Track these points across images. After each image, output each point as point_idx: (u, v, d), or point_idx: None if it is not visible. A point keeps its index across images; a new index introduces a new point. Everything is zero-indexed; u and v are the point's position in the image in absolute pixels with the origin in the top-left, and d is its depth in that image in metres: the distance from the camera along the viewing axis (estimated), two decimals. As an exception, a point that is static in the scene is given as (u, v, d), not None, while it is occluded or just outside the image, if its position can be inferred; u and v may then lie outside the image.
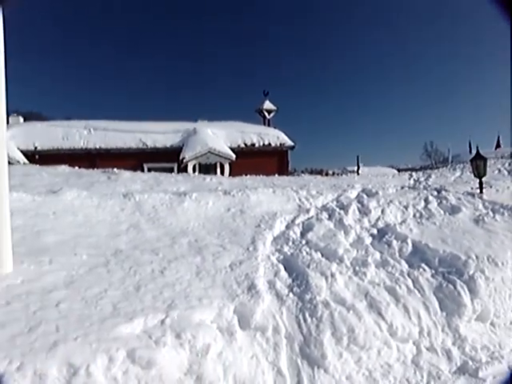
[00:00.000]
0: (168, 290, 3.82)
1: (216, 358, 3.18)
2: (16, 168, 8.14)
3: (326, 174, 29.81)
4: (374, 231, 5.72)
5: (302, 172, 36.79)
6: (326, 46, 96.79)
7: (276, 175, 12.25)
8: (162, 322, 3.33)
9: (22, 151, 19.22)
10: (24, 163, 17.52)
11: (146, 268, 4.21)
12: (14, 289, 3.46)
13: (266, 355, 3.42)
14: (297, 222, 6.00)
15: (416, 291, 4.37)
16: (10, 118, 23.03)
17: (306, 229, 5.70)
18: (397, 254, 5.06)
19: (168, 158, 20.49)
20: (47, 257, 4.06)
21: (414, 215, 6.35)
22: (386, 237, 5.47)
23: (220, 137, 21.38)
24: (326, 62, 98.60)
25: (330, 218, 6.09)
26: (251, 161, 20.09)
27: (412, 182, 10.98)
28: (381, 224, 5.94)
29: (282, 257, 4.90)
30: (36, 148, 20.07)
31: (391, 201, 6.78)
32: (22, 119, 24.09)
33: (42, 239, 4.51)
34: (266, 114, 25.57)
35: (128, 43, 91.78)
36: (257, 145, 21.53)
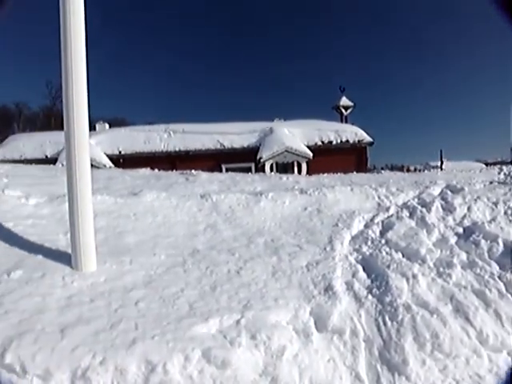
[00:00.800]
0: (244, 290, 3.86)
1: (292, 360, 3.15)
2: (101, 172, 8.67)
3: (407, 170, 28.64)
4: (460, 230, 5.37)
5: (382, 169, 35.63)
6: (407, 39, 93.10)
7: (354, 173, 11.97)
8: (238, 322, 3.36)
9: (107, 156, 20.49)
10: (110, 167, 18.64)
11: (223, 268, 4.28)
12: (98, 287, 3.67)
13: (344, 359, 3.33)
14: (376, 220, 5.80)
15: (509, 296, 4.03)
16: (96, 126, 24.78)
17: (386, 228, 5.49)
18: (486, 255, 4.71)
19: (245, 158, 20.80)
20: (128, 257, 4.27)
21: (505, 212, 5.86)
22: (474, 236, 5.11)
23: (296, 135, 21.33)
24: (408, 55, 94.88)
25: (411, 216, 5.81)
26: (328, 159, 19.81)
27: (502, 176, 10.18)
28: (467, 222, 5.56)
29: (360, 257, 4.76)
30: (120, 152, 21.29)
31: (479, 197, 6.33)
32: (107, 126, 25.70)
33: (124, 240, 4.75)
34: (343, 110, 25.12)
35: (201, 46, 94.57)
36: (334, 142, 21.19)
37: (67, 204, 3.99)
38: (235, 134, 21.70)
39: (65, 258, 4.01)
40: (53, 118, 58.92)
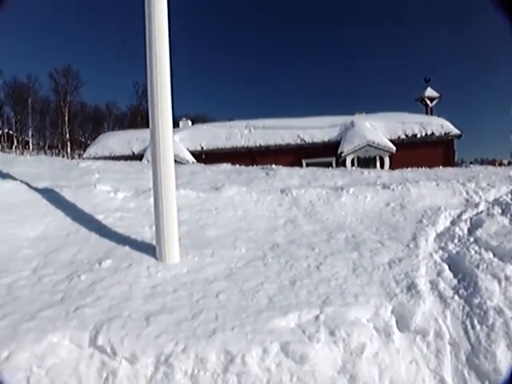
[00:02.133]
0: (323, 285, 3.88)
1: (371, 359, 3.13)
2: (185, 167, 9.05)
3: (500, 165, 26.61)
4: (560, 229, 4.96)
5: (471, 163, 33.54)
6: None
7: (440, 167, 11.43)
8: (317, 317, 3.39)
9: (190, 152, 21.32)
10: (192, 162, 19.36)
11: (302, 263, 4.33)
12: (181, 278, 3.88)
13: (427, 361, 3.24)
14: (464, 217, 5.52)
15: None
16: (180, 123, 25.88)
17: (475, 225, 5.20)
18: None
19: (326, 153, 20.64)
20: (210, 249, 4.45)
21: None
22: None
23: (379, 129, 20.76)
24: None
25: (503, 213, 5.45)
26: (412, 152, 19.06)
27: None
28: None
29: (446, 255, 4.57)
30: (202, 148, 22.06)
31: None
32: (190, 122, 26.72)
33: (205, 233, 4.95)
34: (428, 102, 23.99)
35: (279, 42, 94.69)
36: (418, 135, 20.30)
37: (152, 198, 4.26)
38: (316, 129, 21.59)
39: (150, 249, 4.28)
40: (139, 117, 62.25)
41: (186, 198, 5.69)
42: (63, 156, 47.60)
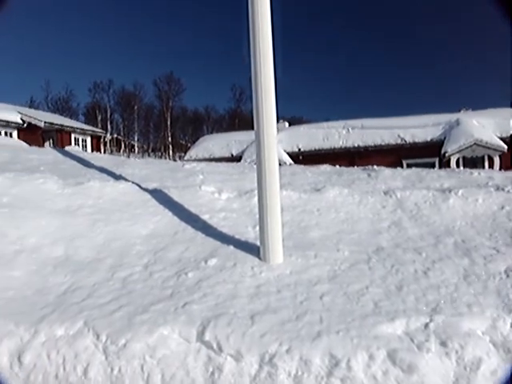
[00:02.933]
0: (432, 292, 3.71)
1: (489, 376, 2.93)
2: (285, 168, 9.13)
3: None
4: None
5: None
6: None
7: None
8: (426, 326, 3.26)
9: (287, 153, 21.52)
10: (290, 164, 19.52)
11: (409, 267, 4.18)
12: (284, 279, 3.93)
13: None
14: None
15: None
16: (277, 124, 26.19)
17: None
18: None
19: (428, 153, 19.80)
20: (312, 251, 4.46)
21: None
22: None
23: (487, 126, 19.43)
24: None
25: None
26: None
27: None
28: None
29: None
30: (299, 149, 22.19)
31: None
32: (287, 124, 26.98)
33: (308, 234, 4.97)
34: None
35: (375, 38, 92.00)
36: (533, 132, 18.67)
37: (255, 199, 4.37)
38: (417, 128, 20.79)
39: (253, 249, 4.39)
40: (237, 119, 63.98)
41: (288, 199, 5.75)
42: (165, 158, 50.27)
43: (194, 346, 3.19)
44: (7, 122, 33.42)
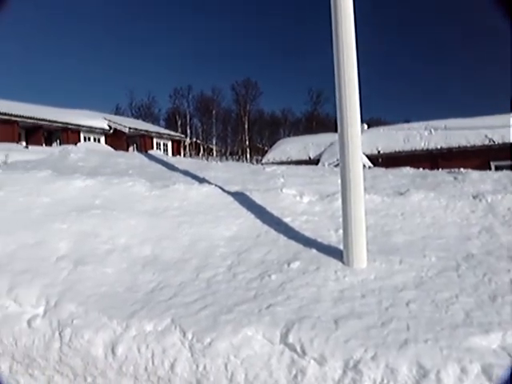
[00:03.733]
0: (533, 305, 3.48)
1: None
2: (366, 171, 8.94)
3: None
4: None
5: None
6: None
7: None
8: (525, 341, 3.06)
9: (367, 155, 21.08)
10: (369, 167, 19.14)
11: (503, 277, 3.95)
12: (368, 284, 3.87)
13: None
14: None
15: None
16: (358, 126, 25.75)
17: None
18: None
19: (520, 155, 18.49)
20: (397, 256, 4.35)
21: None
22: None
23: None
24: None
25: None
26: None
27: None
28: None
29: None
30: (379, 151, 21.66)
31: None
32: (366, 126, 26.43)
33: (391, 239, 4.84)
34: None
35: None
36: None
37: (337, 202, 4.34)
38: (507, 127, 19.50)
39: (336, 253, 4.36)
40: (314, 122, 63.79)
41: (371, 202, 5.64)
42: (242, 161, 51.15)
43: (277, 348, 3.22)
44: (96, 128, 35.73)
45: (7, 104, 30.56)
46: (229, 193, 5.79)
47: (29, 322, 3.89)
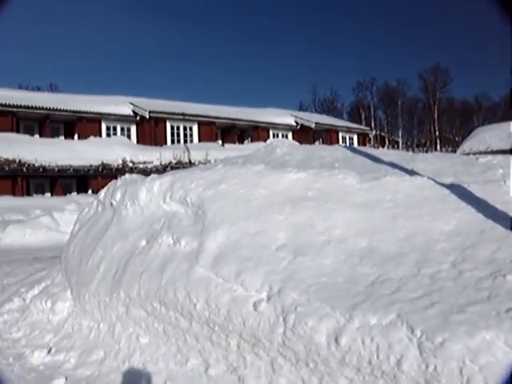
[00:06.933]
0: None
1: None
2: None
3: None
4: None
5: None
6: None
7: None
8: None
9: None
10: None
11: None
12: None
13: None
14: None
15: None
16: None
17: None
18: None
19: None
20: None
21: None
22: None
23: None
24: None
25: None
26: None
27: None
28: None
29: None
30: None
31: None
32: None
33: None
34: None
35: None
36: None
37: None
38: None
39: None
40: (516, 106, 56.83)
41: None
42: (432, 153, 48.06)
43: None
44: (284, 125, 37.35)
45: (208, 108, 33.90)
46: (443, 185, 5.42)
47: (254, 305, 4.16)
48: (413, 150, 55.81)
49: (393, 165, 6.46)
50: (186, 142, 30.95)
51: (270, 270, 4.40)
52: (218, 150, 28.20)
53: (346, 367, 3.53)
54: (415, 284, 3.79)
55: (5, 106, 24.88)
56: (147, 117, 29.17)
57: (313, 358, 3.71)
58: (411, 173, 5.99)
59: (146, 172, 21.10)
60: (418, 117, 66.69)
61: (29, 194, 24.36)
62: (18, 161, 22.85)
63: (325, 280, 4.13)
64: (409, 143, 62.99)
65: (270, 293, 4.17)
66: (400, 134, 62.51)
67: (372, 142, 47.00)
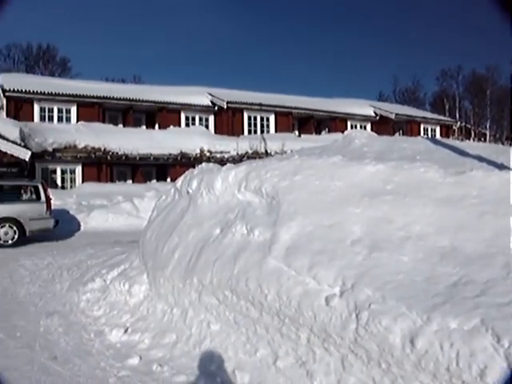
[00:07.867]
0: None
1: None
2: None
3: None
4: None
5: None
6: None
7: None
8: None
9: None
10: None
11: None
12: None
13: None
14: None
15: None
16: None
17: None
18: None
19: None
20: None
21: None
22: None
23: None
24: None
25: None
26: None
27: None
28: None
29: None
30: None
31: None
32: None
33: None
34: None
35: None
36: None
37: None
38: None
39: None
40: None
41: None
42: (522, 147, 44.90)
43: None
44: (363, 115, 36.43)
45: (285, 98, 33.68)
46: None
47: (326, 300, 4.06)
48: (502, 143, 52.42)
49: (480, 158, 6.04)
50: (262, 132, 31.04)
51: (344, 264, 4.28)
52: (294, 141, 28.06)
53: (421, 372, 3.36)
54: (503, 288, 3.50)
55: (92, 97, 26.27)
56: (225, 107, 29.56)
57: (386, 359, 3.57)
58: (501, 167, 5.57)
59: (222, 161, 21.44)
60: (508, 107, 62.33)
61: (112, 180, 25.59)
62: (103, 149, 24.07)
63: (401, 278, 3.94)
64: (497, 136, 59.19)
65: (343, 288, 4.06)
66: (488, 126, 58.87)
67: (456, 134, 44.64)
